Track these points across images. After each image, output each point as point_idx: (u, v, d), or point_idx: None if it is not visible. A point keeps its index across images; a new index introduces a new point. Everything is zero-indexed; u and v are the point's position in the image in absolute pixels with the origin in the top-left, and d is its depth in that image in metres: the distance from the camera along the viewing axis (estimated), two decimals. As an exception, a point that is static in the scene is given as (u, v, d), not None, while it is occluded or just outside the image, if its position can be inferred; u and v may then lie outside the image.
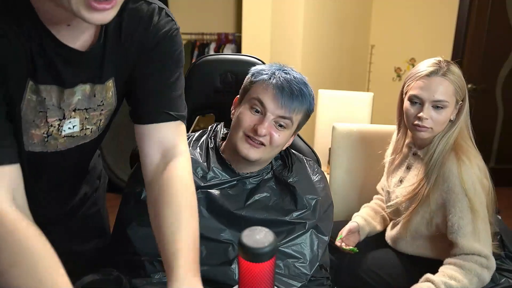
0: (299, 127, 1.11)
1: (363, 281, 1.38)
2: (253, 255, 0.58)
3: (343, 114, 2.48)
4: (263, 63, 1.25)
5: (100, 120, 0.87)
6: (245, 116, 1.03)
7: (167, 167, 0.83)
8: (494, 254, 1.33)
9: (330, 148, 1.94)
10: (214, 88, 1.31)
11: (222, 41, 3.76)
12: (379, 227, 1.49)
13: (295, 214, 1.04)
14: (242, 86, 1.12)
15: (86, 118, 0.83)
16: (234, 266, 0.97)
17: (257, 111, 1.04)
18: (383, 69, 3.64)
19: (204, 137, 1.16)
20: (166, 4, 4.44)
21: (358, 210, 1.65)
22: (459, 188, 1.20)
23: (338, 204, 1.83)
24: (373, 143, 1.56)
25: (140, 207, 1.02)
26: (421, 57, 1.32)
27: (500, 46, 3.24)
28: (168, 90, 0.88)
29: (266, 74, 1.05)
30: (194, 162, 1.06)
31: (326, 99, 2.57)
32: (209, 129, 1.20)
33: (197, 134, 1.17)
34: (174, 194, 0.80)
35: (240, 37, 3.18)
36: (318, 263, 1.04)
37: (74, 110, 0.80)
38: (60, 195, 1.01)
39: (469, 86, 3.28)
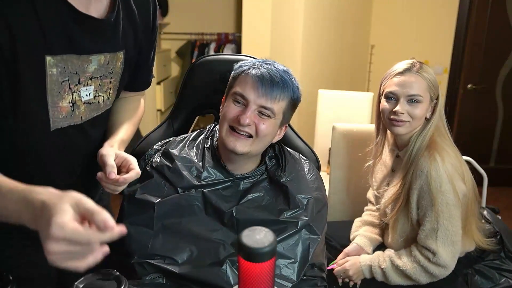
0: (285, 117, 1.08)
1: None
2: (253, 255, 0.58)
3: (343, 114, 2.48)
4: None
5: (110, 88, 0.93)
6: (229, 108, 1.03)
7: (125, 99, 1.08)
8: (493, 254, 1.34)
9: (330, 148, 1.94)
10: (214, 88, 1.31)
11: (222, 41, 3.76)
12: (381, 238, 1.49)
13: (287, 213, 1.03)
14: (227, 84, 1.11)
15: (99, 85, 0.89)
16: (225, 267, 0.95)
17: (240, 103, 1.03)
18: (383, 69, 3.62)
19: (201, 136, 1.15)
20: (166, 4, 4.42)
21: (357, 210, 1.65)
22: (427, 186, 1.23)
23: (337, 204, 1.83)
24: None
25: (132, 206, 1.03)
26: (421, 57, 1.34)
27: (500, 46, 3.24)
28: (152, 63, 1.08)
29: (246, 66, 1.05)
30: (189, 162, 1.07)
31: (326, 99, 2.56)
32: (207, 128, 1.20)
33: (194, 134, 1.17)
34: (124, 106, 1.06)
35: (240, 37, 3.18)
36: (309, 263, 1.02)
37: (91, 79, 0.86)
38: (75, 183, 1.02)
39: (469, 86, 3.29)
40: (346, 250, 1.44)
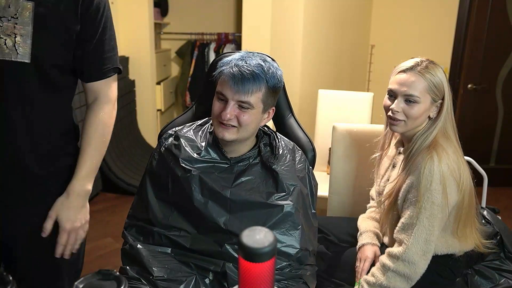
0: (267, 103, 1.18)
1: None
2: (253, 255, 0.58)
3: (343, 114, 2.48)
4: None
5: (16, 35, 0.95)
6: (214, 105, 1.18)
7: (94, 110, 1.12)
8: (493, 254, 1.34)
9: (330, 148, 1.94)
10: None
11: (222, 41, 3.76)
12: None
13: (275, 197, 1.16)
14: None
15: (0, 26, 0.93)
16: (225, 249, 1.12)
17: (222, 100, 1.17)
18: (383, 69, 3.64)
19: (208, 124, 1.31)
20: (166, 4, 4.42)
21: (357, 210, 1.65)
22: (417, 182, 1.22)
23: (337, 203, 1.83)
24: (373, 143, 1.56)
25: (154, 183, 1.23)
26: (421, 57, 1.33)
27: (500, 46, 3.24)
28: (104, 50, 1.07)
29: (223, 66, 1.17)
30: (192, 141, 1.25)
31: (326, 99, 2.57)
32: None
33: (202, 120, 1.34)
34: (89, 130, 1.11)
35: (240, 37, 3.19)
36: (299, 247, 1.14)
37: None
38: None
39: (469, 86, 3.29)
40: (371, 257, 1.40)
